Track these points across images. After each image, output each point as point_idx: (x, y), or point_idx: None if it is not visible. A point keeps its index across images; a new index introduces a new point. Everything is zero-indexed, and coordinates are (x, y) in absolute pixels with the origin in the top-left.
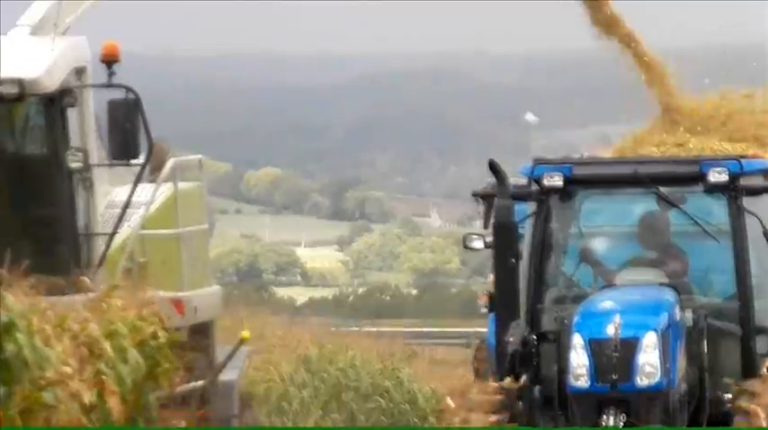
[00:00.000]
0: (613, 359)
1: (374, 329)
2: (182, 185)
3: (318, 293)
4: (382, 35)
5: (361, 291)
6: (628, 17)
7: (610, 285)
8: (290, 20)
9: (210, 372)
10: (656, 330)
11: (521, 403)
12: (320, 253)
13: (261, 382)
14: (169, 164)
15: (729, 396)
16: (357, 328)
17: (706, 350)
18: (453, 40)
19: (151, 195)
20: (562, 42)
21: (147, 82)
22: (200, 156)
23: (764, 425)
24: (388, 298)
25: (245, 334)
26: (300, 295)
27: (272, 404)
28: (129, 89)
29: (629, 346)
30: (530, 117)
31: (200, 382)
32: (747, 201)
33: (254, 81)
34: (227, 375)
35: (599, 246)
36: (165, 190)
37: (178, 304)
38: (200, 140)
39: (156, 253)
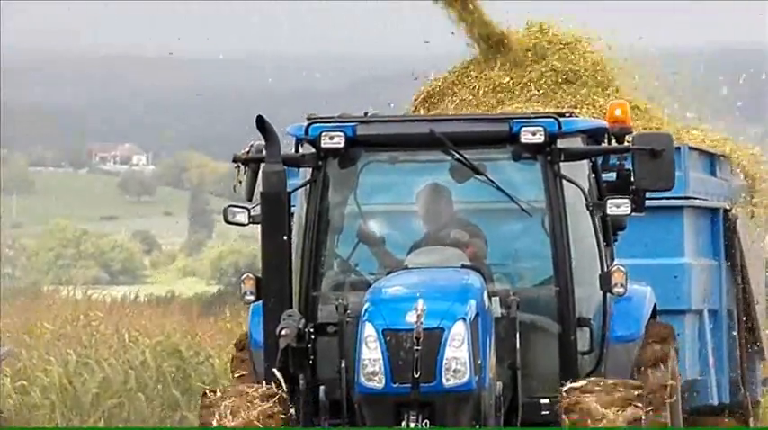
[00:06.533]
0: (414, 353)
1: None
2: None
3: None
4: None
5: None
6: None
7: (399, 268)
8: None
9: None
10: (464, 320)
11: (293, 409)
12: None
13: None
14: None
15: (546, 400)
16: None
17: (518, 345)
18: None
19: None
20: None
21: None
22: None
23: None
24: None
25: None
26: None
27: None
28: None
29: (432, 338)
30: None
31: None
32: (566, 169)
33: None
34: None
35: (383, 223)
36: None
37: None
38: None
39: None
